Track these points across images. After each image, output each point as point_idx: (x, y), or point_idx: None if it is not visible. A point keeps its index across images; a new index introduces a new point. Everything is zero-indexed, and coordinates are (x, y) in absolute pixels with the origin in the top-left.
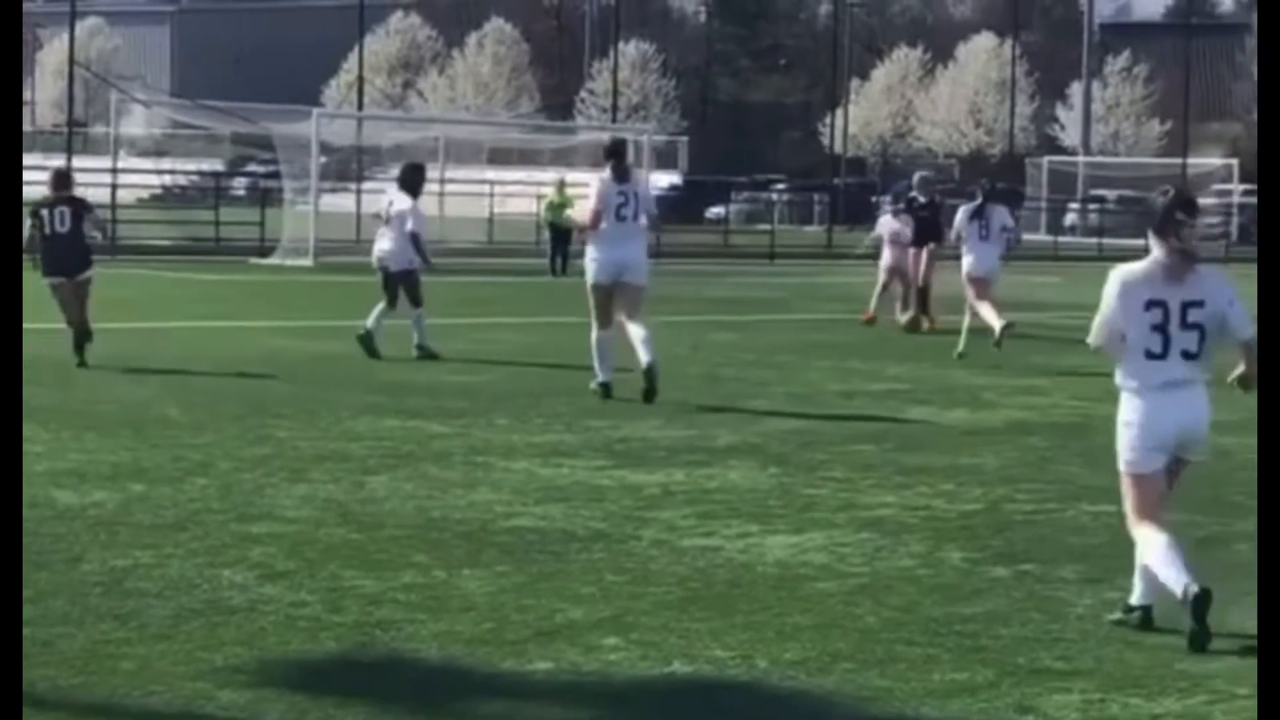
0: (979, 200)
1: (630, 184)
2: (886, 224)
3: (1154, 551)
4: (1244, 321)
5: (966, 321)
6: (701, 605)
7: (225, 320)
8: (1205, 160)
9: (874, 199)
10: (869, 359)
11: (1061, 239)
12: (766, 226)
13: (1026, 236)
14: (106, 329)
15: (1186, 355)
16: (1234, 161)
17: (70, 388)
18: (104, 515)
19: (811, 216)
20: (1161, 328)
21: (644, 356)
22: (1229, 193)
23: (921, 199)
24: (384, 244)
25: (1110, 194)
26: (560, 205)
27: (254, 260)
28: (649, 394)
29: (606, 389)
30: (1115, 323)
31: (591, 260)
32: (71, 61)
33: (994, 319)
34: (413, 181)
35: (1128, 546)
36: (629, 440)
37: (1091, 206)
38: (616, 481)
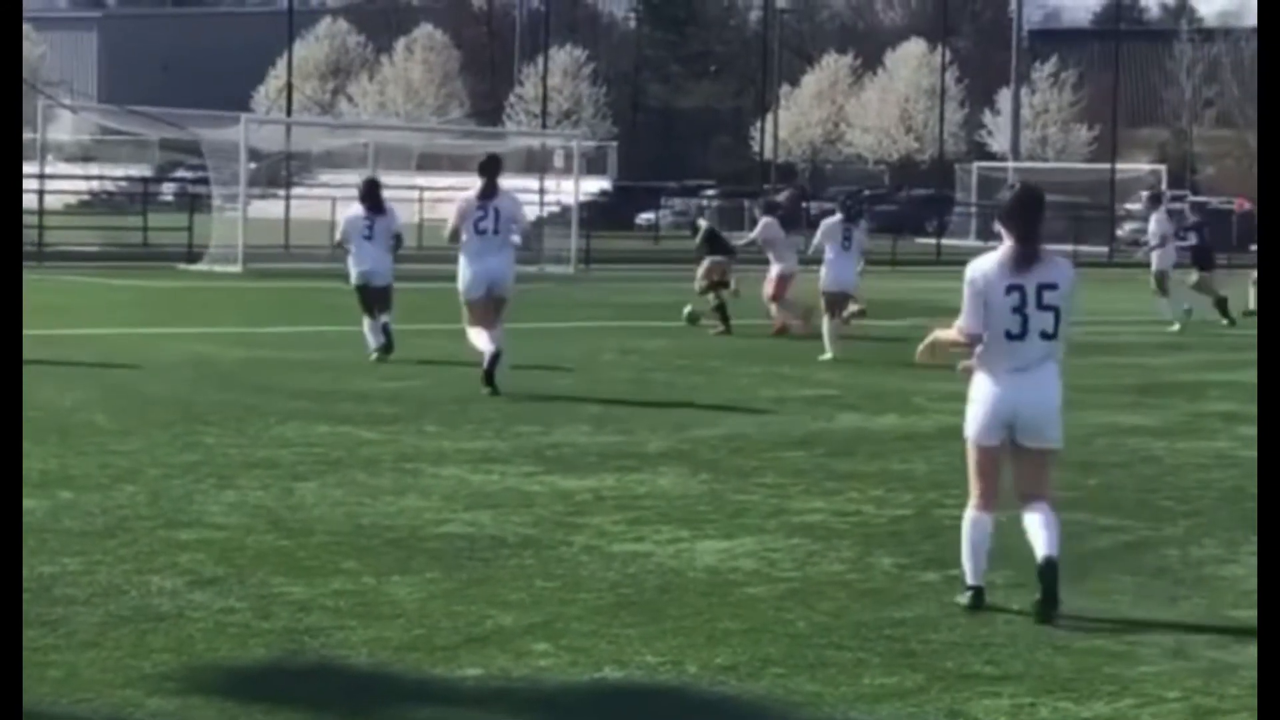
0: (840, 216)
1: (493, 200)
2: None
3: (966, 529)
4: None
5: (827, 328)
6: (632, 611)
7: (153, 326)
8: (1133, 166)
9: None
10: (799, 365)
11: (991, 244)
12: None
13: (957, 242)
14: (34, 335)
15: (1044, 335)
16: (1162, 167)
17: None
18: (32, 522)
19: (742, 223)
20: (1020, 309)
21: (492, 347)
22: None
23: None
24: (366, 262)
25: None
26: None
27: (182, 266)
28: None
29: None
30: (980, 309)
31: (461, 273)
32: None
33: (828, 339)
34: (379, 197)
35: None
36: (559, 446)
37: None
38: (547, 487)
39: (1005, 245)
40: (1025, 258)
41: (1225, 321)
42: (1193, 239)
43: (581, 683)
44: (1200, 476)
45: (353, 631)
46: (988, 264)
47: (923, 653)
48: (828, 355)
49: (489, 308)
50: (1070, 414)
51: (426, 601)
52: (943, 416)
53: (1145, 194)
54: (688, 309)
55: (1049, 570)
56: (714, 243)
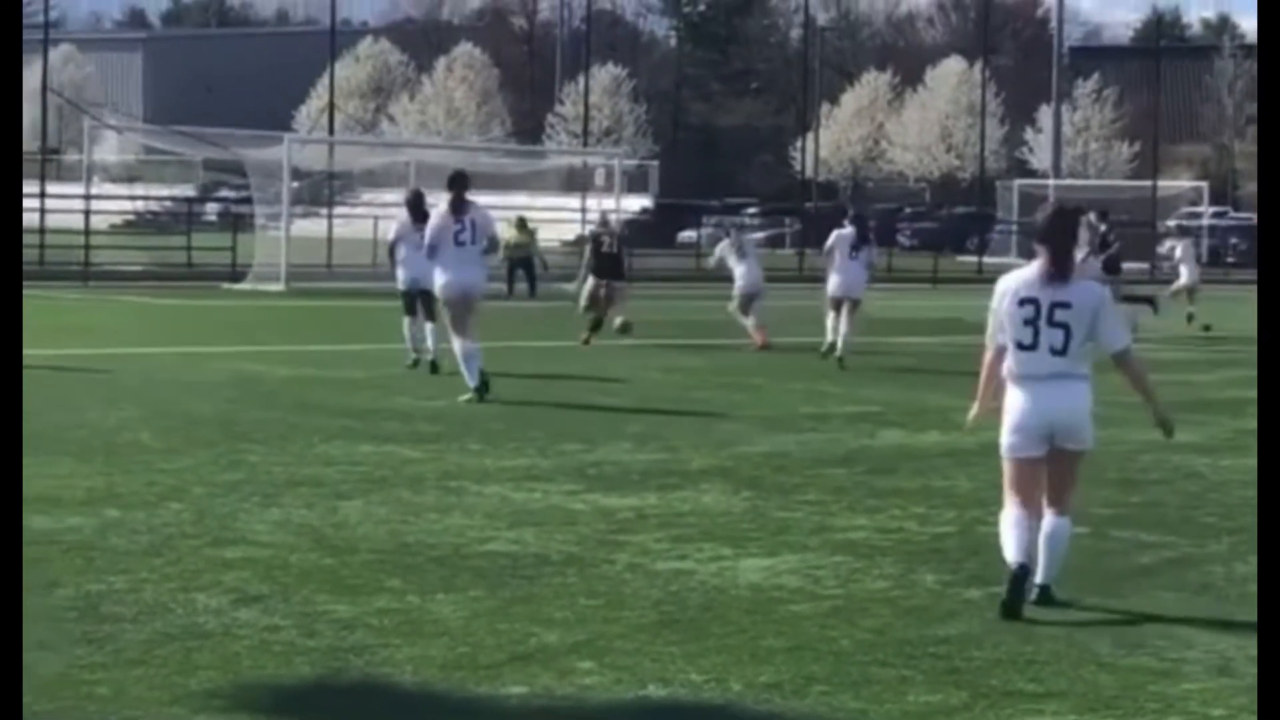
0: (852, 228)
1: (467, 214)
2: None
3: (1005, 525)
4: (1113, 332)
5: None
6: (675, 629)
7: (198, 345)
8: (1174, 183)
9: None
10: (841, 382)
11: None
12: None
13: (998, 259)
14: (80, 354)
15: (1054, 351)
16: (1203, 184)
17: (44, 413)
18: (79, 541)
19: (783, 240)
20: (1032, 322)
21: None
22: (1198, 215)
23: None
24: (416, 269)
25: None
26: (519, 244)
27: (226, 285)
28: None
29: (480, 395)
30: (999, 319)
31: (439, 280)
32: (45, 89)
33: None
34: (423, 208)
35: (1100, 568)
36: (602, 464)
37: None
38: (590, 505)
39: (1036, 261)
40: (1052, 275)
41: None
42: (1100, 247)
43: (626, 701)
44: (1244, 493)
45: (397, 649)
46: (1014, 277)
47: (966, 670)
48: (831, 350)
49: (461, 313)
50: (1113, 430)
51: (470, 620)
52: (985, 433)
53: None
54: (619, 320)
55: (1040, 594)
56: (604, 261)
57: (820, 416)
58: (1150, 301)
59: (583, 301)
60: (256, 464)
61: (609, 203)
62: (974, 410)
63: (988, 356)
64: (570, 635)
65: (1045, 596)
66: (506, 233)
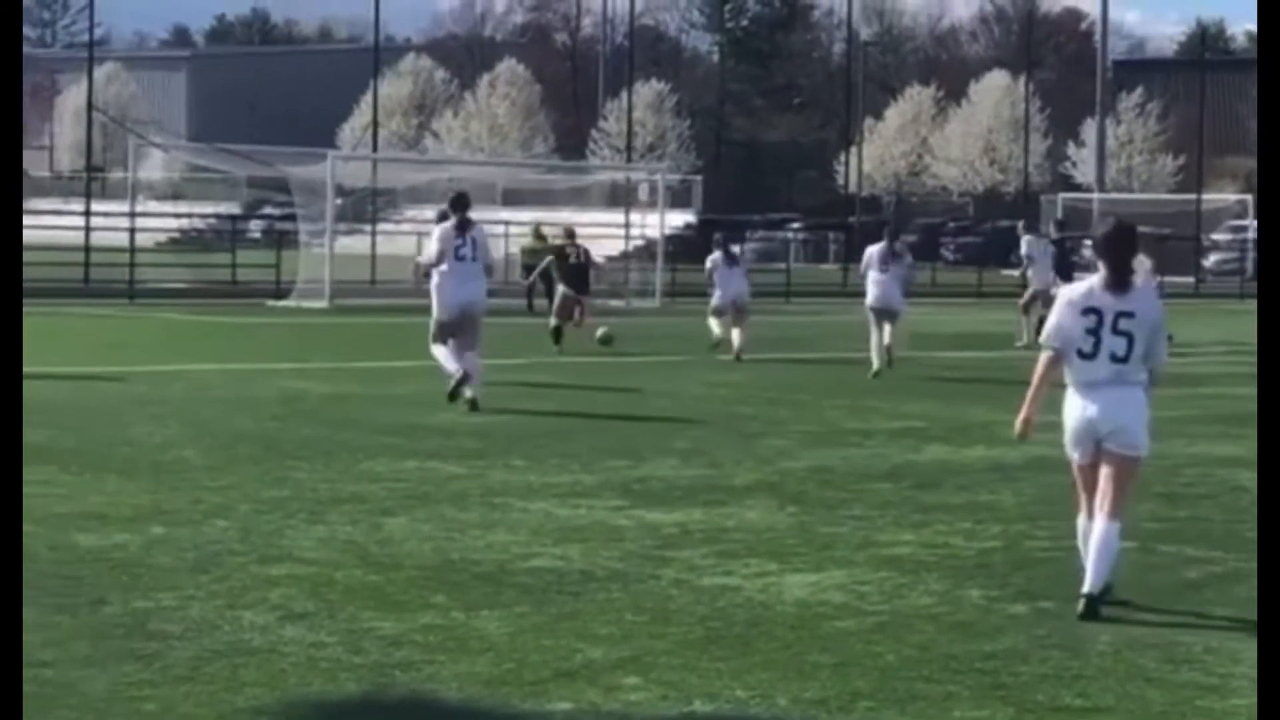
0: (885, 242)
1: (469, 232)
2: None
3: (1079, 537)
4: (1163, 347)
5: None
6: (721, 644)
7: (242, 362)
8: (1220, 196)
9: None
10: (885, 397)
11: (1077, 275)
12: (782, 265)
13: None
14: (126, 372)
15: (1114, 358)
16: (1249, 197)
17: (90, 431)
18: (126, 558)
19: (827, 255)
20: (1095, 331)
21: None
22: (1244, 228)
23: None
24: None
25: (1098, 231)
26: (535, 251)
27: (270, 302)
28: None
29: (454, 394)
30: (1062, 326)
31: (438, 295)
32: (90, 107)
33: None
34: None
35: (1147, 583)
36: (646, 480)
37: None
38: (634, 521)
39: (1098, 273)
40: (1113, 286)
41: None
42: (1052, 254)
43: (671, 717)
44: None
45: (443, 666)
46: (1075, 288)
47: (1013, 685)
48: (878, 375)
49: (462, 327)
50: (1157, 445)
51: (516, 636)
52: (1030, 448)
53: (1021, 224)
54: (601, 331)
55: (1091, 610)
56: (570, 273)
57: (864, 431)
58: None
59: (552, 320)
60: (301, 481)
61: (652, 218)
62: (1022, 414)
63: (1041, 362)
64: (616, 651)
65: (1091, 607)
66: (523, 241)
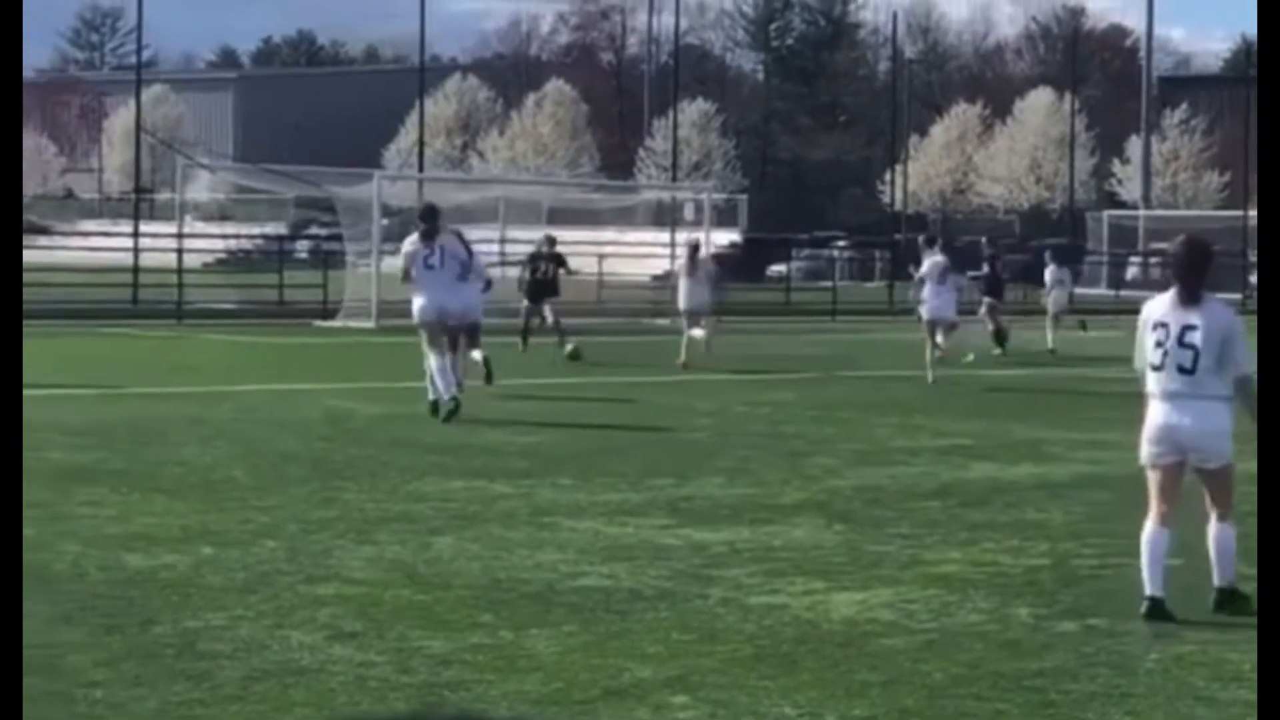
0: (942, 258)
1: (435, 241)
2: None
3: (1143, 543)
4: (1240, 357)
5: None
6: (769, 663)
7: (290, 383)
8: None
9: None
10: (932, 415)
11: (1123, 293)
12: (828, 283)
13: (1089, 291)
14: (174, 392)
15: (1181, 370)
16: None
17: (139, 451)
18: (175, 578)
19: (873, 273)
20: (1162, 344)
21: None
22: None
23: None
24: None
25: (1171, 247)
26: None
27: (317, 323)
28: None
29: (436, 406)
30: (1142, 344)
31: (415, 303)
32: (138, 129)
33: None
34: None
35: (1196, 600)
36: (693, 498)
37: (1153, 260)
38: (682, 540)
39: (1171, 289)
40: (1181, 300)
41: (997, 350)
42: (985, 269)
43: None
44: None
45: (491, 685)
46: (1152, 304)
47: (1062, 703)
48: (929, 378)
49: (442, 330)
50: None
51: (564, 654)
52: (1077, 465)
53: (922, 237)
54: (568, 347)
55: (1221, 601)
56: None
57: (911, 450)
58: (999, 339)
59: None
60: (349, 501)
61: (699, 237)
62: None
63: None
64: (664, 670)
65: (1224, 599)
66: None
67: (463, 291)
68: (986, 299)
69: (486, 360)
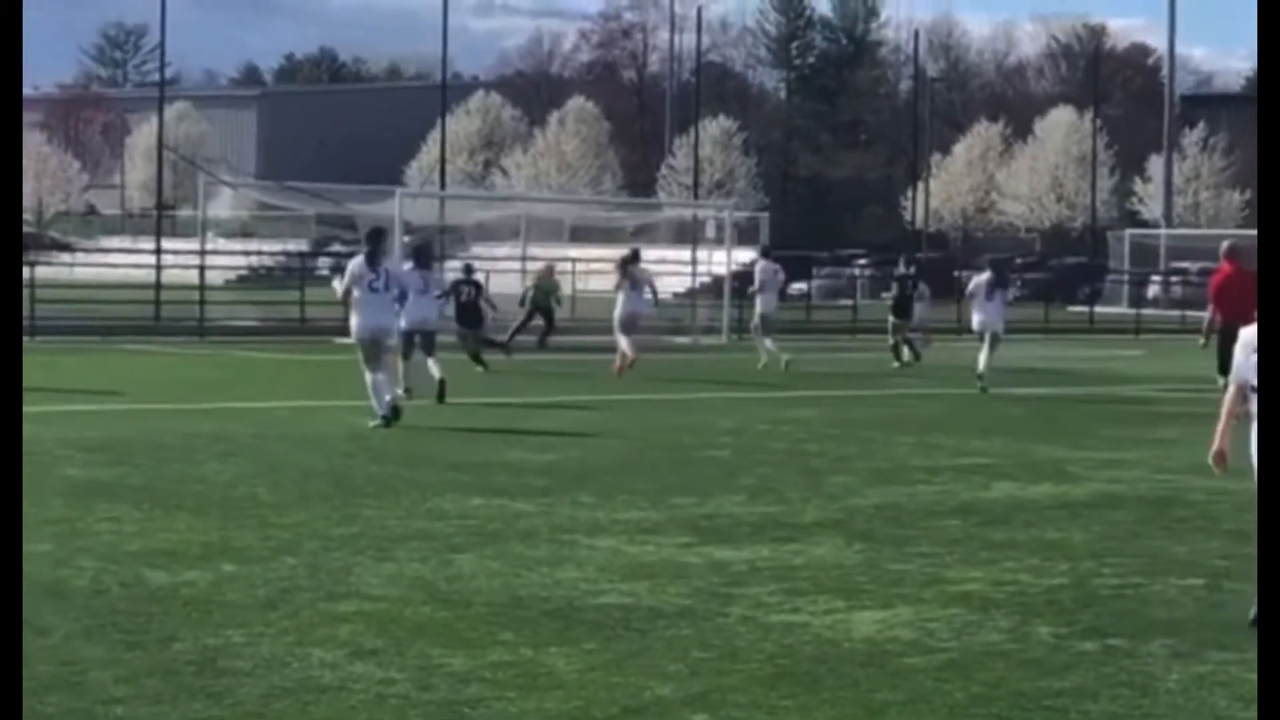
0: (990, 274)
1: (381, 265)
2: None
3: None
4: None
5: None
6: (789, 682)
7: (311, 400)
8: None
9: (955, 274)
10: (952, 434)
11: (1144, 311)
12: (848, 302)
13: (1110, 309)
14: (195, 409)
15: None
16: None
17: (160, 468)
18: (196, 595)
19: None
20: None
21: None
22: None
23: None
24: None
25: (1192, 266)
26: (547, 290)
27: (339, 340)
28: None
29: (387, 422)
30: (1239, 363)
31: (354, 323)
32: (160, 146)
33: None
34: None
35: (1216, 620)
36: (714, 516)
37: (1174, 279)
38: (702, 558)
39: None
40: None
41: (895, 364)
42: (894, 289)
43: None
44: None
45: (512, 703)
46: (1254, 327)
47: None
48: (981, 378)
49: (378, 352)
50: (1224, 481)
51: (585, 672)
52: (1098, 485)
53: (759, 248)
54: (479, 369)
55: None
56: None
57: (932, 469)
58: (896, 352)
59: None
60: (370, 518)
61: (719, 254)
62: (1215, 447)
63: (1227, 397)
64: (684, 688)
65: None
66: (532, 273)
67: (420, 304)
68: (894, 319)
69: (442, 382)
